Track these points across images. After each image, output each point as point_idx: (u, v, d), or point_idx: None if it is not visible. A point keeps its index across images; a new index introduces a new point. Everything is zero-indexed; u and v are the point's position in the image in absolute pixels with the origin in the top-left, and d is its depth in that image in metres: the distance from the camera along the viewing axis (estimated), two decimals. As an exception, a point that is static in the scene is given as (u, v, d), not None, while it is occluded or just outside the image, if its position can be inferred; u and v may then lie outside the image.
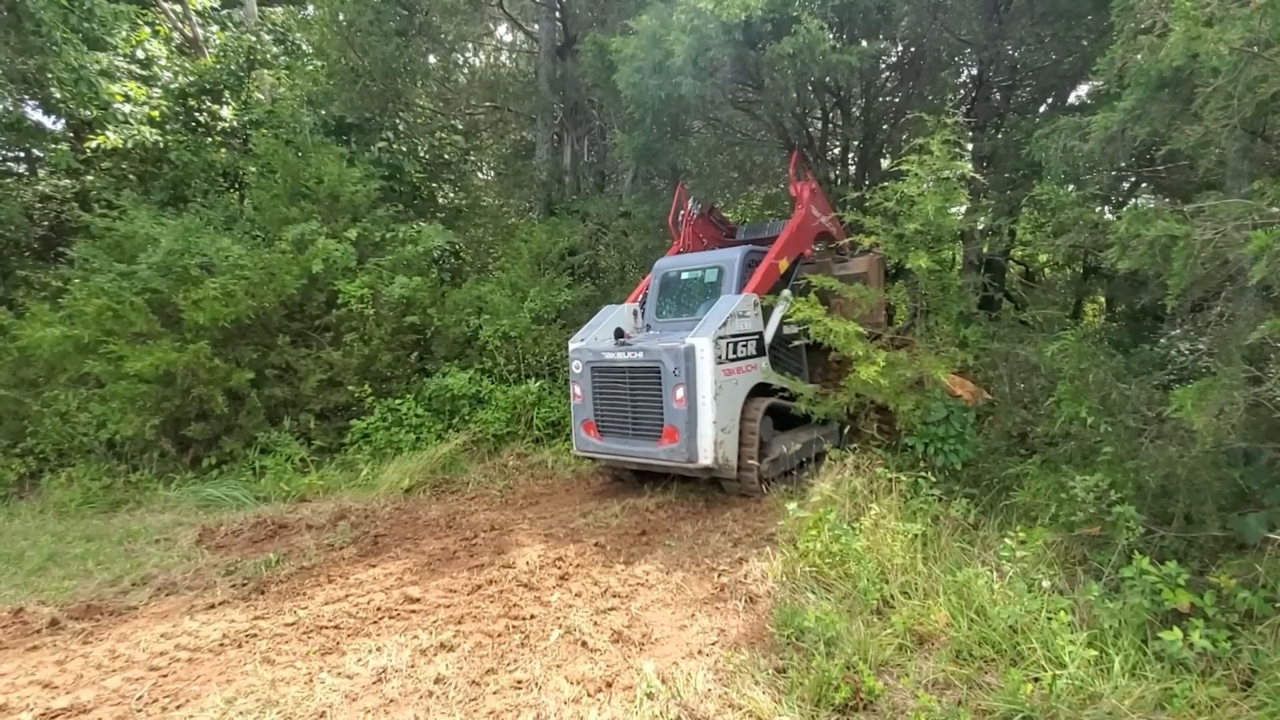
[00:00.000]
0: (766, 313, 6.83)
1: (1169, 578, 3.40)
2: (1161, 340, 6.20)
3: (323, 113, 11.21)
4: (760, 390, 6.55)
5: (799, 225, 7.27)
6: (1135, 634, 3.26)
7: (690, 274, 7.39)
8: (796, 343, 7.33)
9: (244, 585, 4.82)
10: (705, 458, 5.88)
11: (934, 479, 5.00)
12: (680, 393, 5.92)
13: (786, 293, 6.83)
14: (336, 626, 4.08)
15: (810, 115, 10.59)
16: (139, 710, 3.31)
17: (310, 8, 14.25)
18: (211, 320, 7.78)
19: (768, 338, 6.70)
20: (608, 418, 6.63)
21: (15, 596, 4.80)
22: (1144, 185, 7.65)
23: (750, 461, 6.12)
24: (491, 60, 16.12)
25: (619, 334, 6.95)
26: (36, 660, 3.87)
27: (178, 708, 3.31)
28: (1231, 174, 4.19)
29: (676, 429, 5.96)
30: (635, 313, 7.55)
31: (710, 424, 5.86)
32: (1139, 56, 4.14)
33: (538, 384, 8.76)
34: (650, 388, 6.21)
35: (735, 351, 6.18)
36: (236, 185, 10.93)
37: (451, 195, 14.15)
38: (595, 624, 3.95)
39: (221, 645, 3.92)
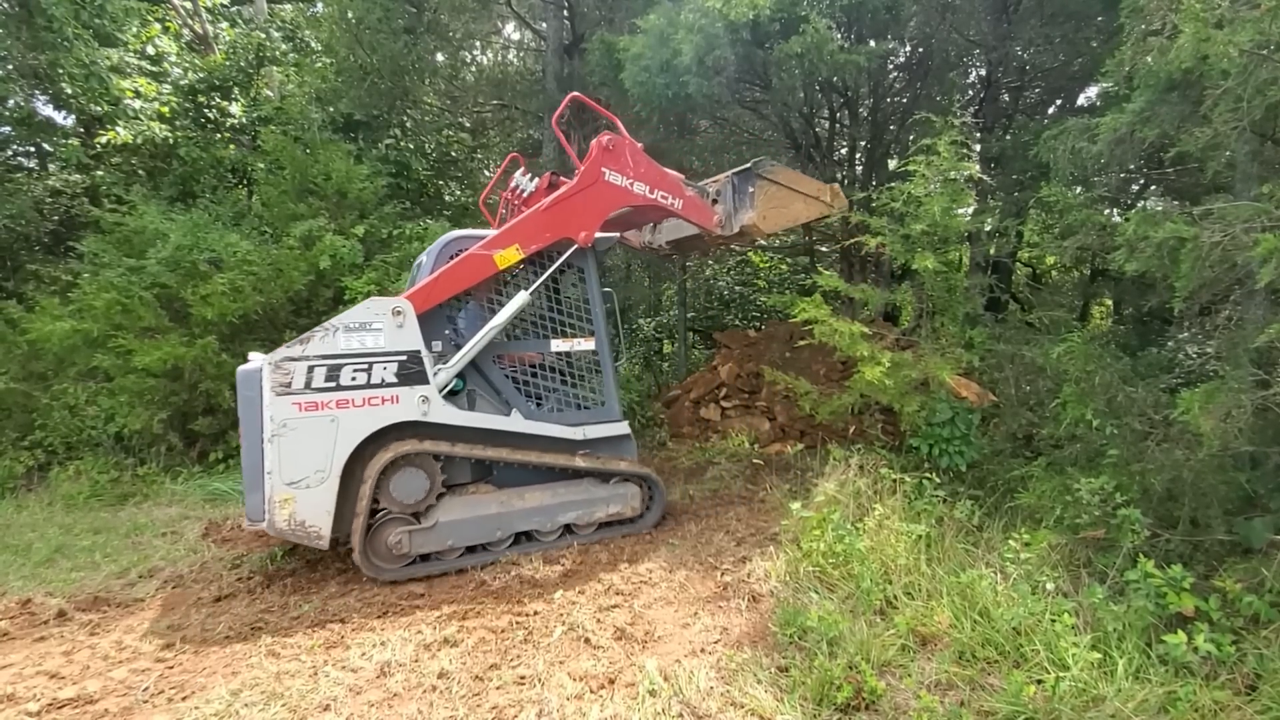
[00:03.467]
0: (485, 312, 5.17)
1: (1173, 581, 3.39)
2: (1169, 343, 6.18)
3: (331, 110, 11.24)
4: (426, 431, 4.82)
5: (559, 200, 5.21)
6: (1139, 637, 3.25)
7: (418, 267, 5.71)
8: (598, 358, 5.55)
9: (249, 579, 4.85)
10: (267, 519, 4.32)
11: (938, 480, 4.99)
12: (242, 430, 4.54)
13: (524, 295, 5.07)
14: (341, 621, 4.11)
15: (817, 115, 10.56)
16: (145, 701, 3.34)
17: (319, 5, 14.31)
18: (219, 315, 7.83)
19: (458, 357, 4.91)
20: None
21: (23, 588, 4.85)
22: (1152, 188, 7.62)
23: (355, 532, 4.55)
24: (499, 58, 16.12)
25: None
26: (44, 651, 3.91)
27: (183, 699, 3.34)
28: (1240, 177, 4.17)
29: (246, 476, 4.55)
30: None
31: (265, 475, 4.33)
32: (1148, 58, 4.13)
33: (542, 382, 8.78)
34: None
35: (336, 379, 4.46)
36: (245, 181, 10.99)
37: (458, 193, 14.17)
38: (598, 621, 3.97)
39: (227, 638, 3.96)
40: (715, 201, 5.92)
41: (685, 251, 8.29)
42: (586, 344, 5.50)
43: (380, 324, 4.64)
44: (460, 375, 4.97)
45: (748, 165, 5.72)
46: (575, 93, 5.78)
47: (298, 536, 4.43)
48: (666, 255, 7.18)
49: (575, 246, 5.34)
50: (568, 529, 5.32)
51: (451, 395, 4.95)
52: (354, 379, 4.54)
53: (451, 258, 5.13)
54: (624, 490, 5.50)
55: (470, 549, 4.97)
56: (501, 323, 5.01)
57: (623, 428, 5.55)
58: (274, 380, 4.33)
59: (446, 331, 5.03)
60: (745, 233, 5.76)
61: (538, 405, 5.35)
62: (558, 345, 5.42)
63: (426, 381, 4.74)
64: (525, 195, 6.20)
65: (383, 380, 4.62)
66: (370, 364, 4.58)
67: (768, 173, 5.73)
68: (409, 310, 4.71)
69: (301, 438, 4.38)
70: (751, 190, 5.62)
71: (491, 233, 5.25)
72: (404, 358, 4.70)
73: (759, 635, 3.71)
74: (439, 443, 4.82)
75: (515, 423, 5.12)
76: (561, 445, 5.30)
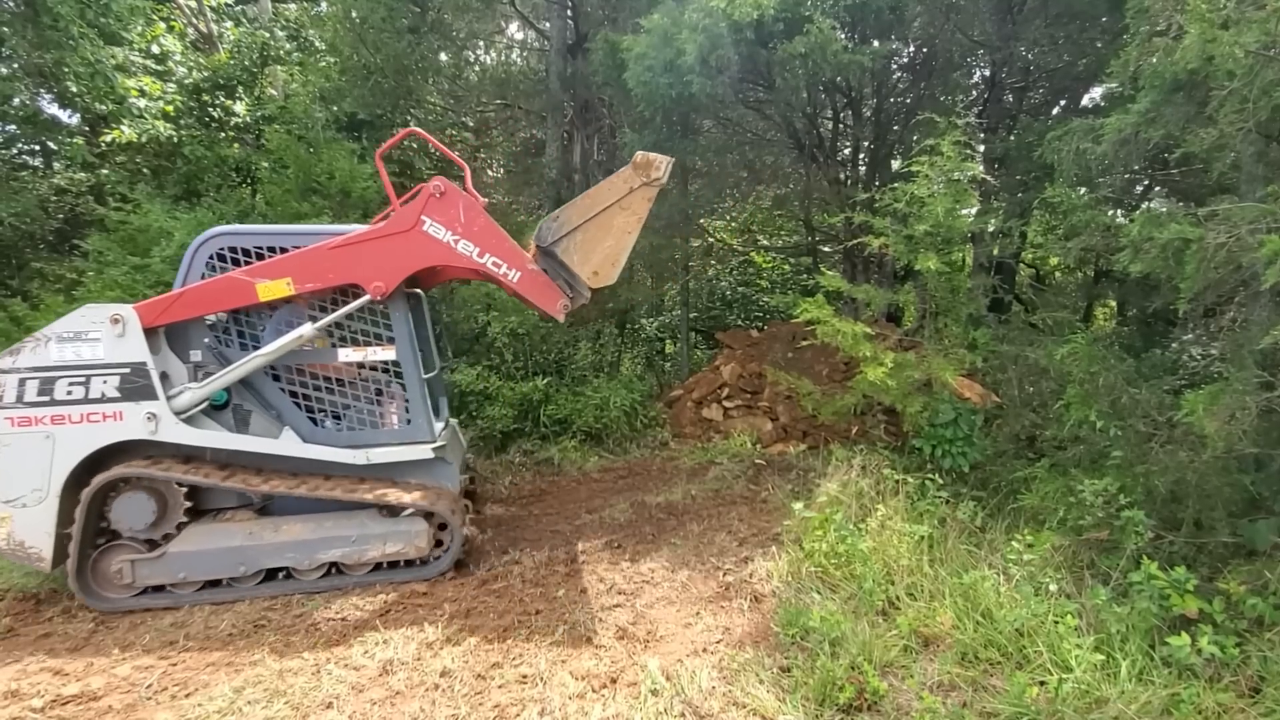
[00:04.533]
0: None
1: (1177, 583, 3.39)
2: (1173, 345, 6.17)
3: (335, 109, 11.26)
4: (163, 451, 4.47)
5: (355, 240, 4.53)
6: (1142, 639, 3.25)
7: None
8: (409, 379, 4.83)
9: (252, 577, 4.86)
10: None
11: (941, 481, 4.99)
12: None
13: (309, 328, 4.50)
14: (343, 619, 4.12)
15: (821, 115, 10.56)
16: (148, 698, 3.35)
17: (323, 4, 14.33)
18: (223, 314, 7.85)
19: (215, 377, 4.45)
20: None
21: (27, 584, 4.86)
22: (1157, 189, 7.61)
23: (69, 555, 4.23)
24: (502, 58, 16.14)
25: None
26: (48, 647, 3.93)
27: (187, 696, 3.36)
28: (1246, 178, 4.16)
29: None
30: None
31: None
32: (1153, 59, 4.12)
33: (545, 381, 8.78)
34: None
35: (50, 392, 4.17)
36: (249, 180, 11.00)
37: (461, 192, 14.20)
38: (600, 620, 3.97)
39: (230, 636, 3.97)
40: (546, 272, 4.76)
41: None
42: (385, 353, 4.77)
43: (98, 333, 4.24)
44: (226, 388, 4.56)
45: (535, 242, 4.70)
46: (413, 127, 5.12)
47: (17, 557, 4.21)
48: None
49: (362, 295, 4.56)
50: (336, 569, 4.65)
51: (216, 410, 4.61)
52: (70, 393, 4.19)
53: (211, 259, 4.60)
54: (407, 527, 4.64)
55: (230, 582, 4.53)
56: (272, 351, 4.48)
57: (424, 451, 4.79)
58: None
59: (206, 340, 4.58)
60: (601, 287, 4.82)
61: (334, 424, 4.80)
62: (348, 355, 4.74)
63: (155, 397, 4.29)
64: None
65: (103, 395, 4.23)
66: (88, 377, 4.21)
67: (558, 233, 4.54)
68: (130, 318, 4.27)
69: (15, 454, 4.15)
70: (561, 259, 4.57)
71: (268, 229, 4.78)
72: (126, 370, 4.27)
73: (761, 635, 3.71)
74: (174, 464, 4.41)
75: (282, 445, 4.59)
76: (340, 471, 4.73)
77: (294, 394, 4.75)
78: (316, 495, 4.53)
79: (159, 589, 4.45)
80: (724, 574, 4.57)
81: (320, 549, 4.55)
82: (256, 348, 4.56)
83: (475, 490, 6.40)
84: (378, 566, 4.70)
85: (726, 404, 8.95)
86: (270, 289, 4.43)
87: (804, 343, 8.56)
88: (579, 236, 4.56)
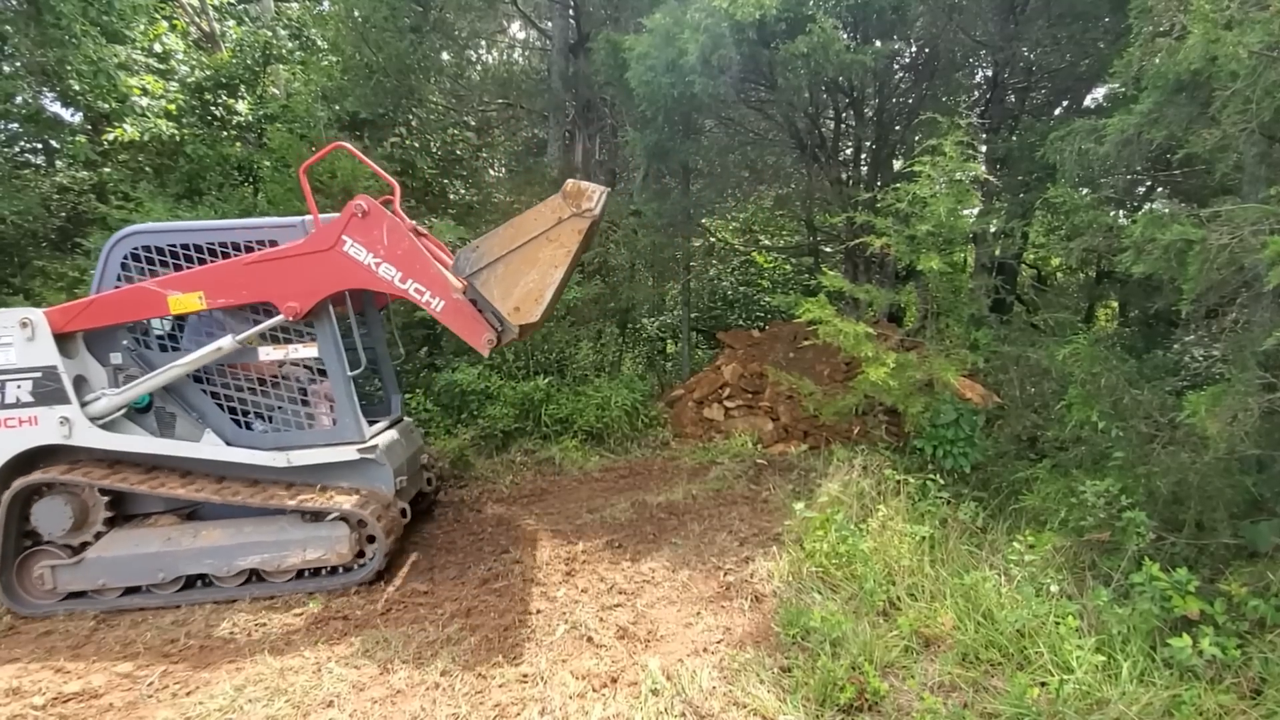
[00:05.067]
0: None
1: (1179, 584, 3.38)
2: (1175, 346, 6.16)
3: (336, 108, 11.25)
4: (82, 456, 4.43)
5: (271, 257, 4.38)
6: (1144, 640, 3.24)
7: None
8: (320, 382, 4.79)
9: (253, 575, 4.86)
10: None
11: (942, 481, 4.99)
12: None
13: (228, 341, 4.42)
14: (344, 617, 4.13)
15: (823, 115, 10.55)
16: (149, 696, 3.36)
17: (326, 3, 14.34)
18: (224, 313, 7.85)
19: (134, 384, 4.42)
20: None
21: (29, 582, 4.88)
22: (1160, 189, 7.60)
23: None
24: (504, 57, 16.16)
25: None
26: (50, 645, 3.94)
27: (188, 694, 3.36)
28: (1249, 179, 4.15)
29: None
30: None
31: None
32: (1156, 59, 4.11)
33: (546, 380, 8.79)
34: None
35: None
36: (251, 179, 11.01)
37: (463, 191, 14.18)
38: (601, 620, 3.97)
39: (231, 634, 3.98)
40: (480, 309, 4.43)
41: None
42: (307, 350, 4.64)
43: (10, 338, 4.24)
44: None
45: (454, 273, 4.41)
46: (339, 142, 5.11)
47: None
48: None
49: (273, 313, 4.43)
50: (256, 576, 4.51)
51: (140, 413, 4.60)
52: None
53: (125, 260, 4.52)
54: (328, 532, 4.46)
55: (150, 589, 4.44)
56: (188, 363, 4.43)
57: (348, 452, 4.64)
58: None
59: (125, 342, 4.56)
60: (531, 325, 4.35)
61: (261, 425, 4.72)
62: (269, 353, 4.63)
63: (67, 401, 4.27)
64: None
65: (18, 399, 4.25)
66: (3, 382, 4.25)
67: (476, 265, 4.20)
68: (39, 322, 4.24)
69: None
70: (480, 291, 4.26)
71: (183, 226, 4.71)
72: (38, 374, 4.26)
73: (762, 635, 3.71)
74: (94, 469, 4.37)
75: (201, 448, 4.54)
76: (269, 475, 4.64)
77: (215, 395, 4.68)
78: (232, 501, 4.43)
79: (81, 595, 4.40)
80: (725, 574, 4.57)
81: (239, 555, 4.42)
82: (177, 350, 4.55)
83: (434, 491, 6.25)
84: (301, 574, 4.55)
85: (728, 404, 8.95)
86: (182, 302, 4.37)
87: (805, 343, 8.57)
88: (500, 269, 4.23)
